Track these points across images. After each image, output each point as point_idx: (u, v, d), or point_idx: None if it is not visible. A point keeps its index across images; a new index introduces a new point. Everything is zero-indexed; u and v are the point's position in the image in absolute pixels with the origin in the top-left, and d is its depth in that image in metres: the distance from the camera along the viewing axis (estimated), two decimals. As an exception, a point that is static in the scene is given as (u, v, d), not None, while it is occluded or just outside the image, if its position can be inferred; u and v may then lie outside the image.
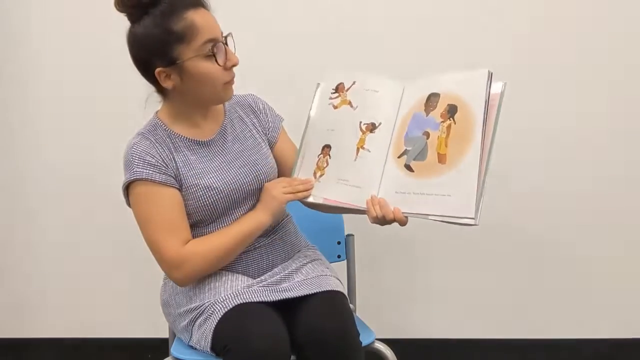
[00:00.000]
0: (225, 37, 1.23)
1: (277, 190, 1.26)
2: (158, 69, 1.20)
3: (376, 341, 1.35)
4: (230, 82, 1.25)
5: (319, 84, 1.34)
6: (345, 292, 1.35)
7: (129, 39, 1.22)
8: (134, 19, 1.20)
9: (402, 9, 1.85)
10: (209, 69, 1.20)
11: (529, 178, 1.92)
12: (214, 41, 1.20)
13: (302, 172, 1.31)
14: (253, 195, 1.30)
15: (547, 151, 1.90)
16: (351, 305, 1.41)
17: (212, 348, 1.20)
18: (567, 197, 1.92)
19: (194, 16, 1.18)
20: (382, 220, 1.15)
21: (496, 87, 1.09)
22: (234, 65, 1.24)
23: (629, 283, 1.96)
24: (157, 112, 1.32)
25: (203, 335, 1.21)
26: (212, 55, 1.19)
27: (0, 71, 1.95)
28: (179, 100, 1.27)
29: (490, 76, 1.10)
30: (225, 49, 1.22)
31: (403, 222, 1.15)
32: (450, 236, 1.94)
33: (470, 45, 1.84)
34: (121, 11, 1.20)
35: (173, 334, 1.40)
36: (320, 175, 1.27)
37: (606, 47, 1.85)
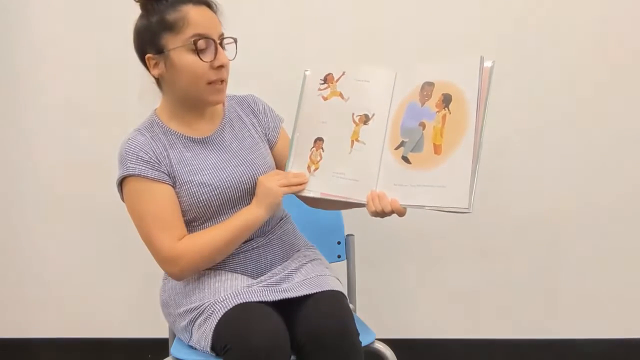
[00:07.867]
0: (222, 39, 1.23)
1: (272, 183, 1.26)
2: (148, 55, 1.23)
3: (376, 341, 1.35)
4: (215, 83, 1.24)
5: (306, 73, 1.31)
6: (345, 292, 1.34)
7: (134, 27, 1.25)
8: (144, 11, 1.24)
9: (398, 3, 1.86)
10: (192, 63, 1.21)
11: (530, 179, 1.92)
12: (202, 36, 1.20)
13: (296, 165, 1.29)
14: (249, 195, 1.30)
15: (549, 152, 1.91)
16: (351, 305, 1.41)
17: (212, 348, 1.20)
18: (567, 198, 1.92)
19: (191, 10, 1.21)
20: (382, 213, 1.16)
21: (486, 65, 1.08)
22: (222, 66, 1.23)
23: (630, 283, 1.96)
24: (155, 109, 1.33)
25: (203, 335, 1.21)
26: (198, 50, 1.20)
27: None
28: (172, 94, 1.28)
29: (482, 62, 1.09)
30: (217, 48, 1.22)
31: (401, 213, 1.15)
32: (451, 237, 1.94)
33: (465, 37, 1.84)
34: (136, 1, 1.24)
35: (173, 334, 1.40)
36: (315, 169, 1.26)
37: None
